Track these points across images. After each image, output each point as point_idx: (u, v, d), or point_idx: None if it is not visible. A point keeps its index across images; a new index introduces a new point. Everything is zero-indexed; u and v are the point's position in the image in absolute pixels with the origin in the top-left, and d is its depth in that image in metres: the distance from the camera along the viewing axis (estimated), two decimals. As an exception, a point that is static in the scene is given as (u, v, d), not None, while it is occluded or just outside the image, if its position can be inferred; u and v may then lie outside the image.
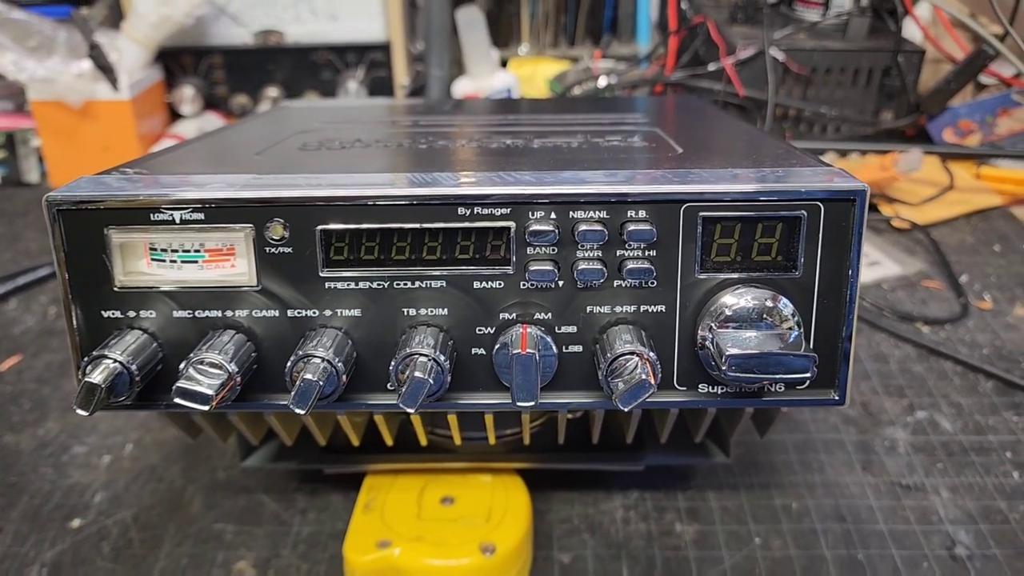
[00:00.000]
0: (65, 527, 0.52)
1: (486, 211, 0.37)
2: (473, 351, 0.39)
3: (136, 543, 0.51)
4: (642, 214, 0.36)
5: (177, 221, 0.37)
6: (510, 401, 0.39)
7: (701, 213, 0.36)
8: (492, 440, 0.48)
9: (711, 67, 1.05)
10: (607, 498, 0.54)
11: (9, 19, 0.97)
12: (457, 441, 0.48)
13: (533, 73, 1.19)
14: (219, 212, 0.37)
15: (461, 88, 1.11)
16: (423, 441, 0.48)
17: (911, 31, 1.08)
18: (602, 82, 1.14)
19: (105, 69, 1.00)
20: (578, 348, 0.39)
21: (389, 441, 0.48)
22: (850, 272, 0.37)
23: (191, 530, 0.52)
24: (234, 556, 0.50)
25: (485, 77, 1.10)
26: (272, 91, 1.17)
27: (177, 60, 1.16)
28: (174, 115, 1.17)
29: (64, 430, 0.62)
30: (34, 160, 1.11)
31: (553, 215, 0.37)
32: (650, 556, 0.49)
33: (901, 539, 0.50)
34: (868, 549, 0.49)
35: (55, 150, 1.08)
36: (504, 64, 1.22)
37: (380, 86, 1.17)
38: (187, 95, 1.14)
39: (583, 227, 0.36)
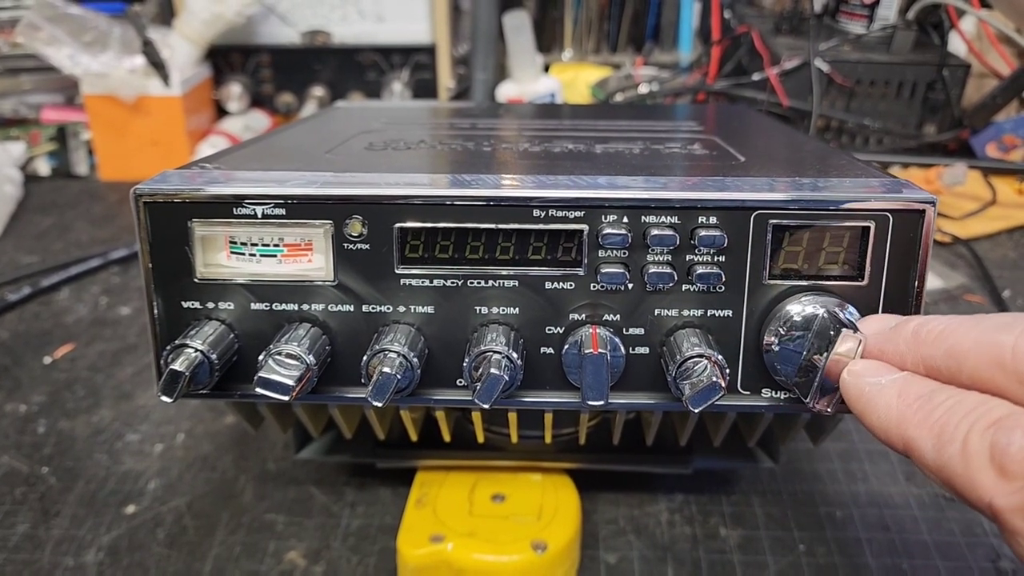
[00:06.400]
0: (120, 512, 0.53)
1: (560, 214, 0.37)
2: (542, 350, 0.40)
3: (190, 530, 0.52)
4: (713, 220, 0.37)
5: (259, 216, 0.38)
6: (576, 400, 0.40)
7: (771, 221, 0.37)
8: (548, 439, 0.48)
9: (755, 77, 1.05)
10: (652, 500, 0.54)
11: (66, 14, 0.99)
12: (514, 439, 0.48)
13: (575, 78, 1.19)
14: (300, 208, 0.38)
15: (505, 92, 1.11)
16: (481, 438, 0.49)
17: (956, 45, 1.08)
18: (643, 89, 1.14)
19: (157, 65, 1.02)
20: (644, 350, 0.39)
21: (447, 437, 0.49)
22: (916, 283, 0.38)
23: (243, 519, 0.53)
24: (285, 546, 0.51)
25: (530, 81, 1.10)
26: (318, 90, 1.18)
27: (225, 58, 1.18)
28: (221, 112, 1.19)
29: (117, 418, 0.63)
30: (84, 153, 1.13)
31: (626, 219, 0.37)
32: (695, 559, 0.50)
33: (946, 551, 0.50)
34: (913, 559, 0.49)
35: (105, 143, 1.10)
36: (547, 69, 1.22)
37: (424, 88, 1.18)
38: (234, 92, 1.15)
39: (655, 231, 0.37)
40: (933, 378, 0.31)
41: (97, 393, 0.66)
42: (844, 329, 0.35)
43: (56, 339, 0.74)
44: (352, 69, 1.19)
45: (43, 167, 1.13)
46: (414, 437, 0.49)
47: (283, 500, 0.54)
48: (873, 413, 0.32)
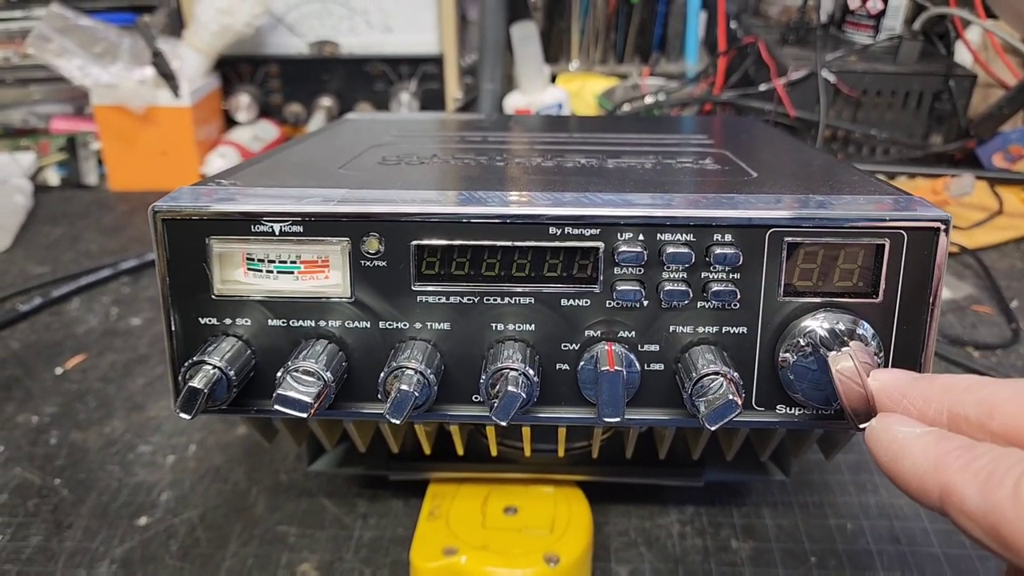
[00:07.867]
0: (133, 524, 0.53)
1: (576, 231, 0.38)
2: (558, 366, 0.40)
3: (203, 542, 0.52)
4: (728, 238, 0.37)
5: (276, 233, 0.38)
6: (592, 416, 0.40)
7: (786, 238, 0.37)
8: (562, 452, 0.48)
9: (761, 87, 1.06)
10: (663, 512, 0.54)
11: (76, 25, 1.00)
12: (527, 452, 0.49)
13: (582, 89, 1.19)
14: (318, 225, 0.38)
15: (513, 102, 1.12)
16: (494, 452, 0.49)
17: (962, 55, 1.08)
18: (650, 99, 1.15)
19: (167, 76, 1.03)
20: (659, 366, 0.39)
21: (460, 450, 0.49)
22: (931, 299, 0.38)
23: (256, 531, 0.53)
24: (298, 558, 0.51)
25: (537, 92, 1.11)
26: (326, 101, 1.19)
27: (234, 68, 1.19)
28: (230, 122, 1.20)
29: (129, 429, 0.63)
30: (93, 163, 1.14)
31: (641, 237, 0.38)
32: (707, 571, 0.50)
33: (956, 563, 0.50)
34: (924, 572, 0.49)
35: (115, 153, 1.11)
36: (553, 79, 1.23)
37: (432, 99, 1.19)
38: (243, 103, 1.16)
39: (670, 249, 0.37)
40: (957, 428, 0.31)
41: (109, 404, 0.66)
42: (831, 353, 0.36)
43: (67, 350, 0.74)
44: (360, 79, 1.19)
45: (53, 177, 1.14)
46: (428, 451, 0.50)
47: (295, 512, 0.54)
48: (907, 459, 0.31)
